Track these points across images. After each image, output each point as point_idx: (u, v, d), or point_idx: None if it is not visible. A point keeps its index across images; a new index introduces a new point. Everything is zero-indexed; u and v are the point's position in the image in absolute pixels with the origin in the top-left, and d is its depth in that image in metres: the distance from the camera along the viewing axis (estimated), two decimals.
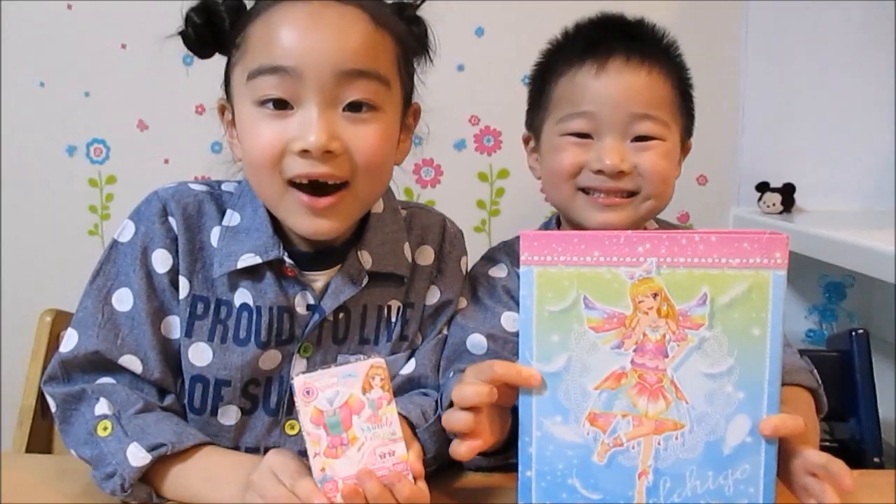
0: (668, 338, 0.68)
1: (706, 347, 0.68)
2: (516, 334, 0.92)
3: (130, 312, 0.86)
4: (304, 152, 0.79)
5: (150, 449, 0.77)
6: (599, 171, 0.94)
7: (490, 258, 1.03)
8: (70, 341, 0.85)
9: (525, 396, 0.72)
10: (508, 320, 0.95)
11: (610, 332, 0.69)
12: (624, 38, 0.96)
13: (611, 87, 0.94)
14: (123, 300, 0.86)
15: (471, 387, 0.72)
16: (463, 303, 0.97)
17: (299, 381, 0.69)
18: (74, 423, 0.82)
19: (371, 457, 0.69)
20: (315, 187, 0.81)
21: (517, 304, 0.94)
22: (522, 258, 0.71)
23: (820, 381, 0.94)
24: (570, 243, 0.69)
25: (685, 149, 1.03)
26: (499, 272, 1.00)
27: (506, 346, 0.92)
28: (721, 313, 0.67)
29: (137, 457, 0.77)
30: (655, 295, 0.68)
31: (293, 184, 0.81)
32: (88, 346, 0.84)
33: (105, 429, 0.79)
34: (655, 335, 0.68)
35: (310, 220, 0.83)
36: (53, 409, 0.84)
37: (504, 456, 0.83)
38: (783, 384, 0.85)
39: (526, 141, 1.07)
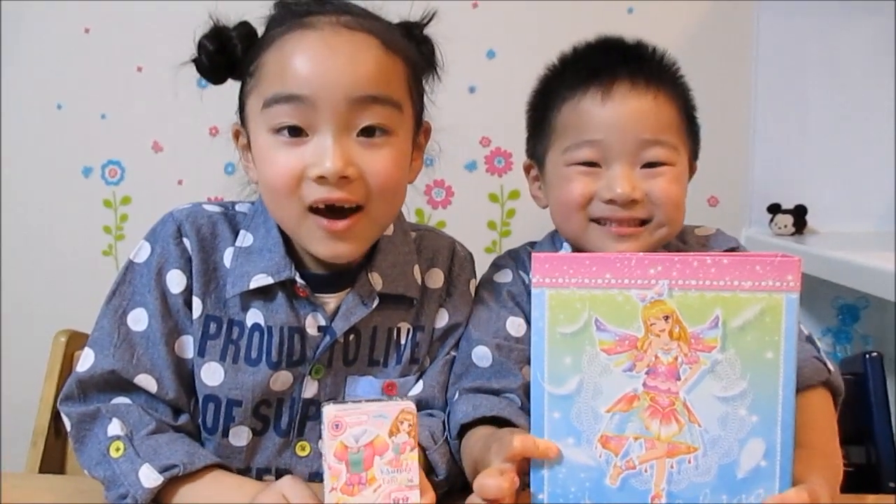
0: (681, 360, 0.68)
1: (719, 370, 0.67)
2: (521, 339, 0.93)
3: (146, 332, 0.86)
4: (321, 178, 0.80)
5: (162, 470, 0.77)
6: (611, 201, 0.91)
7: (495, 265, 1.03)
8: (86, 361, 0.86)
9: (537, 419, 0.71)
10: (513, 325, 0.94)
11: (622, 354, 0.69)
12: (627, 62, 0.94)
13: (618, 113, 0.91)
14: (139, 320, 0.87)
15: (492, 480, 0.70)
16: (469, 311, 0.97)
17: (330, 413, 0.69)
18: (88, 444, 0.83)
19: (385, 500, 0.69)
20: (332, 210, 0.82)
21: (522, 309, 0.95)
22: (534, 280, 0.70)
23: (829, 365, 0.90)
24: (582, 265, 0.69)
25: (691, 170, 1.01)
26: (503, 277, 0.99)
27: (511, 353, 0.92)
28: (734, 336, 0.67)
29: (150, 478, 0.77)
30: (667, 317, 0.68)
31: (311, 209, 0.83)
32: (105, 366, 0.85)
33: (118, 450, 0.80)
34: (667, 357, 0.68)
35: (328, 244, 0.84)
36: (69, 428, 0.84)
37: None
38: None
39: (527, 169, 1.05)
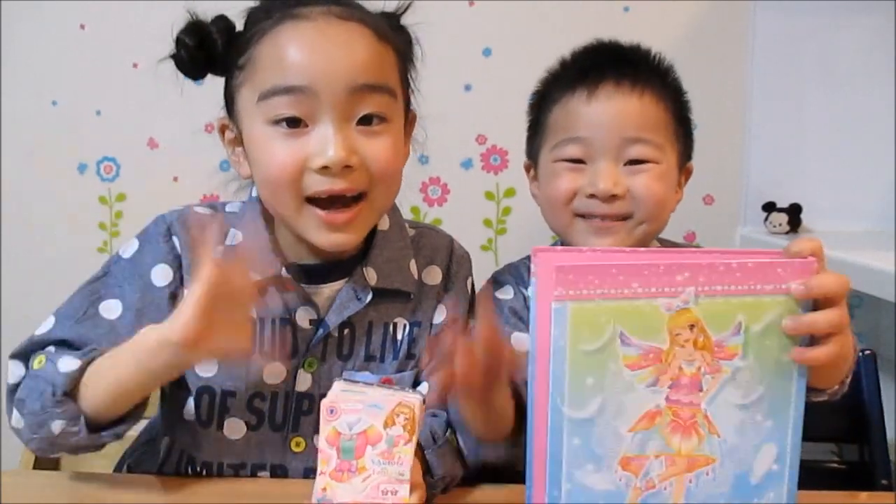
0: (703, 370, 0.66)
1: (739, 378, 0.66)
2: (525, 355, 0.93)
3: (114, 322, 0.86)
4: (324, 168, 0.81)
5: (81, 356, 0.77)
6: (593, 196, 0.94)
7: (495, 281, 1.04)
8: (46, 325, 0.86)
9: (555, 446, 0.67)
10: (516, 341, 0.94)
11: (646, 369, 0.66)
12: (615, 64, 0.97)
13: (601, 111, 0.95)
14: (111, 309, 0.86)
15: None
16: (471, 324, 0.97)
17: (327, 399, 0.70)
18: (26, 400, 0.80)
19: (373, 490, 0.69)
20: (332, 201, 0.83)
21: (525, 324, 0.95)
22: (556, 293, 0.64)
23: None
24: (608, 274, 0.64)
25: (686, 171, 1.03)
26: (505, 294, 1.01)
27: None
28: (755, 342, 0.66)
29: (68, 363, 0.76)
30: (692, 326, 0.65)
31: (310, 200, 0.83)
32: (58, 334, 0.84)
33: (39, 362, 0.80)
34: (691, 368, 0.66)
35: (328, 235, 0.84)
36: (9, 382, 0.82)
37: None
38: None
39: (527, 169, 1.08)
